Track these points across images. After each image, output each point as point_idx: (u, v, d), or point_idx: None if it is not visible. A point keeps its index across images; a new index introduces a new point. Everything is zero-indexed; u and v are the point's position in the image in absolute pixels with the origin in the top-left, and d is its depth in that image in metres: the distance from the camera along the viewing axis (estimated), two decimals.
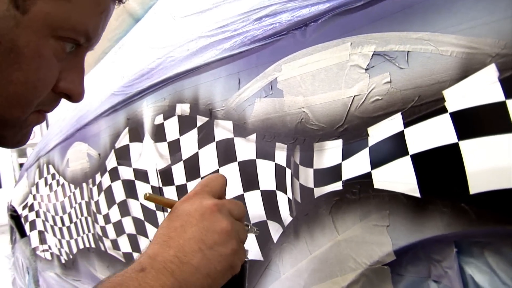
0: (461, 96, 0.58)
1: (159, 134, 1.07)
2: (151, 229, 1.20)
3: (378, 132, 0.66)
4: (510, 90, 0.55)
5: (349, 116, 0.70)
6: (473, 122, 0.56)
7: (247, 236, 0.62)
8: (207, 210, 0.55)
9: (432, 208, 0.60)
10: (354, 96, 0.69)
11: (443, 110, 0.60)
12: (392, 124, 0.64)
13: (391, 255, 0.64)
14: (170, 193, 1.07)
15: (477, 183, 0.57)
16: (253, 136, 0.84)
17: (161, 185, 1.09)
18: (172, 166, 1.03)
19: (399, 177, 0.63)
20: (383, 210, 0.65)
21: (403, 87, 0.63)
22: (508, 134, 0.54)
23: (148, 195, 0.58)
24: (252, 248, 0.87)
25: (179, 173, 1.02)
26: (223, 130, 0.89)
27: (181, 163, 1.00)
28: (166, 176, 1.06)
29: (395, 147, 0.64)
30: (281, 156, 0.80)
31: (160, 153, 1.07)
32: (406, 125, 0.63)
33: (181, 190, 1.02)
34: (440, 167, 0.59)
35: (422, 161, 0.61)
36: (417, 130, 0.62)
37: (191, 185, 0.99)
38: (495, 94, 0.53)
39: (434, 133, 0.60)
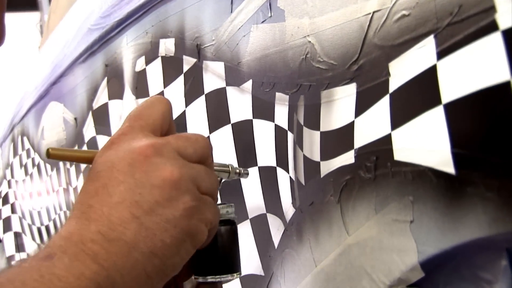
0: None
1: (141, 86, 1.07)
2: None
3: (403, 69, 0.60)
4: None
5: (366, 45, 0.64)
6: None
7: (219, 183, 0.60)
8: (138, 156, 0.52)
9: (471, 193, 0.54)
10: (374, 12, 0.63)
11: (493, 26, 0.53)
12: (422, 55, 0.58)
13: (417, 270, 0.59)
14: None
15: None
16: (248, 84, 0.80)
17: None
18: None
19: (426, 142, 0.57)
20: (405, 195, 0.59)
21: None
22: None
23: (51, 151, 0.56)
24: (251, 259, 0.84)
25: None
26: (213, 76, 0.87)
27: None
28: None
29: (423, 91, 0.58)
30: (282, 113, 0.75)
31: None
32: (440, 55, 0.57)
33: None
34: (482, 122, 0.52)
35: (460, 114, 0.54)
36: (454, 62, 0.55)
37: None
38: None
39: (477, 65, 0.53)
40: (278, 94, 0.75)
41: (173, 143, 0.54)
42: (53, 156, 0.56)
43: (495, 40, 0.51)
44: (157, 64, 1.00)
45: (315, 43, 0.69)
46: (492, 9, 0.52)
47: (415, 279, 0.59)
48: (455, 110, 0.54)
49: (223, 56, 0.84)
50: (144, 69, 1.03)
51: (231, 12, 0.82)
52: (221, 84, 0.85)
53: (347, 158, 0.65)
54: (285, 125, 0.74)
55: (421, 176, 0.57)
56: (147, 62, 1.03)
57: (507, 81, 0.50)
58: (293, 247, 0.75)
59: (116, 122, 1.16)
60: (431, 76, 0.56)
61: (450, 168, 0.55)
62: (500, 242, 0.52)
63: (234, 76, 0.82)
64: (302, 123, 0.72)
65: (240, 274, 0.63)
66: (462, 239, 0.54)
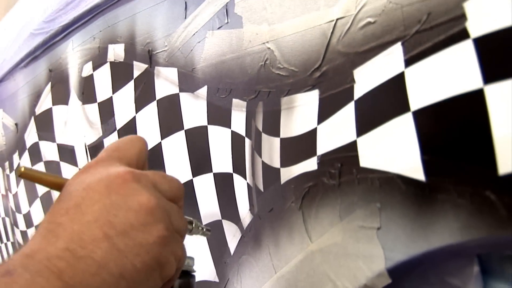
0: (492, 11, 0.48)
1: (88, 91, 1.00)
2: None
3: (368, 76, 0.56)
4: None
5: (329, 52, 0.60)
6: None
7: (187, 228, 0.57)
8: (116, 179, 0.48)
9: (442, 200, 0.51)
10: (337, 19, 0.59)
11: (464, 34, 0.50)
12: (389, 62, 0.55)
13: (384, 276, 0.55)
14: None
15: (510, 158, 0.47)
16: (203, 90, 0.75)
17: None
18: (104, 138, 0.96)
19: (394, 149, 0.53)
20: (372, 202, 0.55)
21: (406, 0, 0.53)
22: None
23: (23, 169, 0.50)
24: (204, 265, 0.79)
25: None
26: (165, 82, 0.81)
27: (115, 134, 0.93)
28: (96, 153, 0.99)
29: (390, 98, 0.54)
30: (239, 119, 0.71)
31: (89, 120, 1.00)
32: (408, 62, 0.53)
33: None
34: (454, 130, 0.49)
35: (429, 121, 0.51)
36: (423, 69, 0.52)
37: None
38: None
39: (448, 73, 0.50)
40: (235, 101, 0.71)
41: (150, 176, 0.51)
42: (24, 176, 0.51)
43: (467, 47, 0.49)
44: (105, 70, 0.94)
45: (275, 49, 0.65)
46: (463, 17, 0.49)
47: (382, 286, 0.56)
48: (424, 117, 0.51)
49: (177, 62, 0.79)
50: (92, 75, 0.97)
51: (185, 17, 0.77)
52: (174, 90, 0.80)
53: (310, 164, 0.62)
54: (242, 132, 0.70)
55: (389, 183, 0.54)
56: (95, 67, 0.96)
57: (479, 88, 0.48)
58: (251, 254, 0.71)
59: (60, 128, 1.09)
60: (398, 83, 0.54)
61: (419, 175, 0.52)
62: (471, 248, 0.50)
63: (188, 82, 0.77)
64: (261, 130, 0.68)
65: None
66: (432, 245, 0.52)
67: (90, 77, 0.98)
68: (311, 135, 0.62)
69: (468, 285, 0.52)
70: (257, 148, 0.69)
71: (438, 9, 0.53)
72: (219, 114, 0.75)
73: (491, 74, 0.48)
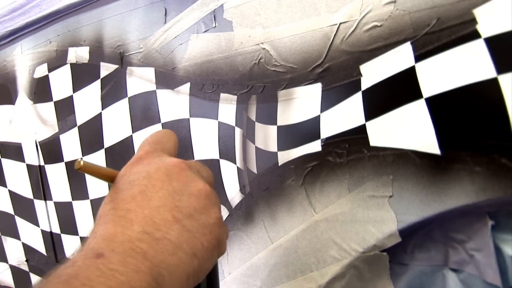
0: (501, 15, 0.46)
1: (41, 91, 0.84)
2: (24, 226, 0.95)
3: (376, 70, 0.52)
4: None
5: (332, 51, 0.55)
6: None
7: None
8: (173, 168, 0.44)
9: (458, 168, 0.48)
10: (340, 23, 0.54)
11: (475, 35, 0.47)
12: (397, 59, 0.51)
13: (395, 236, 0.51)
14: (55, 173, 0.84)
15: None
16: (185, 87, 0.65)
17: (42, 163, 0.85)
18: (61, 135, 0.81)
19: (407, 129, 0.49)
20: (383, 175, 0.51)
21: (414, 7, 0.50)
22: None
23: (83, 163, 0.43)
24: None
25: (71, 144, 0.81)
26: (139, 80, 0.70)
27: (75, 130, 0.79)
28: (50, 149, 0.83)
29: (401, 88, 0.50)
30: (227, 111, 0.63)
31: (42, 118, 0.83)
32: (419, 58, 0.50)
33: (73, 167, 0.79)
34: (471, 112, 0.46)
35: (443, 106, 0.48)
36: (435, 64, 0.49)
37: (89, 160, 0.77)
38: None
39: (461, 66, 0.47)
40: (223, 95, 0.63)
41: (193, 164, 0.47)
42: (83, 169, 0.44)
43: (478, 45, 0.47)
44: (64, 71, 0.80)
45: (270, 49, 0.59)
46: (473, 21, 0.47)
47: (391, 244, 0.52)
48: (438, 103, 0.49)
49: (154, 62, 0.69)
50: (47, 76, 0.82)
51: (165, 22, 0.67)
52: (151, 87, 0.69)
53: (312, 147, 0.57)
54: (232, 122, 0.62)
55: (403, 158, 0.51)
56: (51, 69, 0.82)
57: (493, 77, 0.46)
58: (241, 229, 0.63)
59: (5, 127, 0.90)
60: (409, 75, 0.51)
61: (435, 149, 0.49)
62: (484, 207, 0.48)
63: (167, 80, 0.68)
64: (254, 119, 0.61)
65: None
66: (448, 207, 0.49)
67: (45, 78, 0.83)
68: (314, 121, 0.57)
69: (474, 238, 0.50)
70: (249, 136, 0.62)
71: (447, 15, 0.50)
72: (203, 107, 0.66)
73: (503, 66, 0.46)
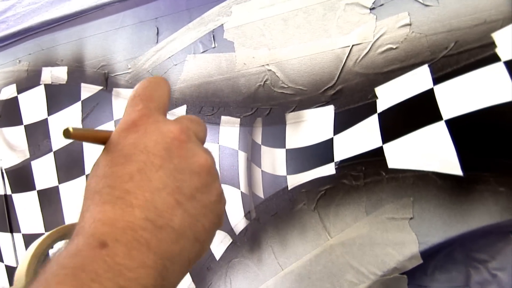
0: None
1: (8, 114, 0.78)
2: None
3: (392, 92, 0.52)
4: None
5: (344, 73, 0.54)
6: None
7: None
8: (173, 140, 0.40)
9: (481, 189, 0.48)
10: (353, 45, 0.53)
11: (494, 58, 0.48)
12: (415, 81, 0.51)
13: (416, 258, 0.51)
14: (25, 202, 0.77)
15: None
16: (181, 110, 0.62)
17: (8, 192, 0.78)
18: (33, 161, 0.74)
19: (428, 151, 0.49)
20: (403, 197, 0.51)
21: (430, 30, 0.51)
22: None
23: (72, 130, 0.38)
24: None
25: (44, 171, 0.74)
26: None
27: (50, 155, 0.73)
28: (19, 177, 0.76)
29: (420, 110, 0.50)
30: (229, 134, 0.60)
31: (9, 143, 0.77)
32: (437, 80, 0.50)
33: (48, 195, 0.73)
34: (492, 134, 0.47)
35: (464, 128, 0.49)
36: (454, 86, 0.50)
37: (67, 188, 0.72)
38: None
39: (481, 88, 0.48)
40: (225, 118, 0.61)
41: (191, 128, 0.43)
42: (73, 136, 0.39)
43: (498, 68, 0.48)
44: (37, 92, 0.75)
45: (277, 71, 0.58)
46: (492, 44, 0.49)
47: (412, 266, 0.52)
48: (458, 125, 0.50)
49: None
50: (16, 97, 0.76)
51: (157, 42, 0.64)
52: None
53: (326, 170, 0.56)
54: (235, 146, 0.60)
55: (423, 179, 0.52)
56: (20, 90, 0.76)
57: None
58: (246, 256, 0.62)
59: None
60: (428, 97, 0.52)
61: (457, 170, 0.49)
62: (506, 227, 0.49)
63: None
64: (260, 143, 0.59)
65: None
66: (471, 227, 0.50)
67: (13, 100, 0.77)
68: (327, 144, 0.56)
69: (497, 258, 0.51)
70: (255, 160, 0.61)
71: (465, 38, 0.51)
72: None
73: None
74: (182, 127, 0.41)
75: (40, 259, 0.45)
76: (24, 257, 0.44)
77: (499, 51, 0.51)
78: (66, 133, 0.38)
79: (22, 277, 0.43)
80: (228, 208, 0.67)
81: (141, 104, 0.41)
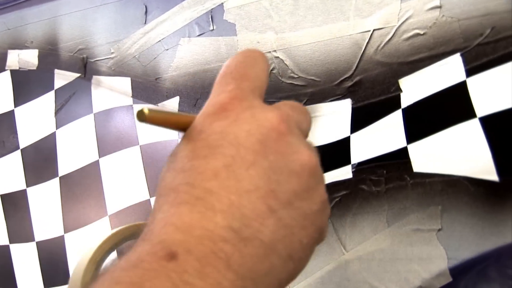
0: None
1: None
2: None
3: (419, 85, 0.54)
4: None
5: (363, 62, 0.57)
6: None
7: None
8: (270, 132, 0.37)
9: None
10: (374, 30, 0.56)
11: None
12: (445, 72, 0.53)
13: (445, 275, 0.54)
14: None
15: None
16: (173, 102, 0.64)
17: None
18: None
19: (459, 153, 0.52)
20: (430, 205, 0.53)
21: (463, 14, 0.53)
22: None
23: (148, 112, 0.36)
24: None
25: (9, 172, 0.76)
26: (110, 92, 0.68)
27: (16, 153, 0.74)
28: None
29: (451, 106, 0.53)
30: None
31: None
32: (470, 72, 0.53)
33: (13, 200, 0.75)
34: None
35: (500, 127, 0.51)
36: (490, 79, 0.52)
37: (37, 192, 0.74)
38: None
39: None
40: None
41: (293, 116, 0.40)
42: (149, 119, 0.37)
43: None
44: (2, 79, 0.75)
45: (285, 59, 0.60)
46: None
47: (440, 285, 0.54)
48: (494, 123, 0.51)
49: (130, 71, 0.68)
50: None
51: (145, 23, 0.66)
52: (126, 101, 0.67)
53: (342, 173, 0.58)
54: None
55: (453, 186, 0.54)
56: None
57: None
58: None
59: None
60: (460, 91, 0.53)
61: (492, 176, 0.52)
62: None
63: (148, 93, 0.67)
64: None
65: None
66: (507, 240, 0.52)
67: None
68: (343, 143, 0.59)
69: None
70: None
71: (503, 24, 0.54)
72: None
73: None
74: (282, 115, 0.38)
75: (99, 265, 0.43)
76: (79, 263, 0.43)
77: None
78: (141, 116, 0.37)
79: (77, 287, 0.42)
80: None
81: (233, 84, 0.40)
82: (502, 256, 0.56)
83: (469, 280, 0.58)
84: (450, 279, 0.57)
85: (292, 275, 0.37)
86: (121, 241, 0.45)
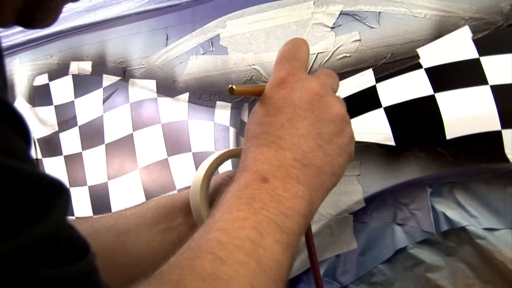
0: (436, 54, 0.42)
1: (41, 96, 0.62)
2: None
3: (347, 87, 0.44)
4: (483, 48, 0.40)
5: (311, 72, 0.45)
6: (448, 76, 0.42)
7: None
8: (314, 96, 0.32)
9: (408, 155, 0.43)
10: (318, 53, 0.45)
11: (418, 66, 0.42)
12: (363, 79, 0.43)
13: (361, 202, 0.45)
14: (53, 165, 0.61)
15: (453, 129, 0.41)
16: (184, 96, 0.51)
17: (39, 156, 0.61)
18: (61, 133, 0.58)
19: (371, 129, 0.43)
20: (353, 160, 0.43)
21: (374, 45, 0.44)
22: (482, 86, 0.39)
23: (235, 87, 0.32)
24: None
25: (70, 140, 0.60)
26: (141, 90, 0.54)
27: (75, 129, 0.58)
28: (48, 145, 0.61)
29: (366, 100, 0.43)
30: (222, 115, 0.50)
31: (41, 119, 0.61)
32: (378, 80, 0.43)
33: (72, 160, 0.58)
34: (416, 117, 0.41)
35: (396, 113, 0.43)
36: (390, 84, 0.43)
37: (89, 154, 0.57)
38: (470, 52, 0.38)
39: (409, 86, 0.42)
40: (219, 102, 0.52)
41: (328, 82, 0.35)
42: (236, 92, 0.32)
43: (420, 73, 0.43)
44: (65, 81, 0.61)
45: (260, 69, 0.50)
46: (417, 56, 0.43)
47: (357, 209, 0.46)
48: (393, 110, 0.44)
49: (155, 76, 0.55)
50: (47, 84, 0.60)
51: (166, 45, 0.52)
52: (152, 95, 0.53)
53: None
54: (226, 123, 0.50)
55: (368, 148, 0.48)
56: (52, 78, 0.61)
57: (431, 95, 0.42)
58: None
59: None
60: (372, 91, 0.45)
61: (391, 142, 0.44)
62: (424, 180, 0.45)
63: (167, 90, 0.55)
64: (246, 121, 0.49)
65: None
66: (399, 181, 0.44)
67: (45, 86, 0.63)
68: None
69: (416, 201, 0.45)
70: (242, 133, 0.50)
71: (398, 51, 0.47)
72: (200, 112, 0.52)
73: (438, 86, 0.42)
74: (321, 83, 0.34)
75: (210, 179, 0.35)
76: (197, 175, 0.34)
77: (421, 61, 0.46)
78: (231, 90, 0.32)
79: (196, 195, 0.33)
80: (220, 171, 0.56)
81: (287, 64, 0.34)
82: (395, 190, 0.48)
83: (374, 205, 0.51)
84: (364, 205, 0.50)
85: (334, 185, 0.35)
86: (223, 160, 0.37)
